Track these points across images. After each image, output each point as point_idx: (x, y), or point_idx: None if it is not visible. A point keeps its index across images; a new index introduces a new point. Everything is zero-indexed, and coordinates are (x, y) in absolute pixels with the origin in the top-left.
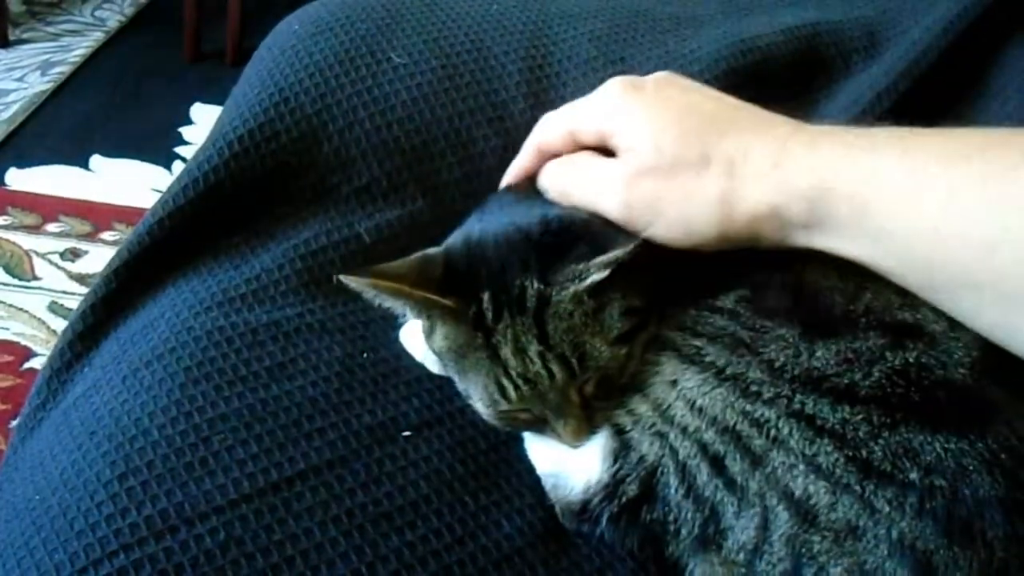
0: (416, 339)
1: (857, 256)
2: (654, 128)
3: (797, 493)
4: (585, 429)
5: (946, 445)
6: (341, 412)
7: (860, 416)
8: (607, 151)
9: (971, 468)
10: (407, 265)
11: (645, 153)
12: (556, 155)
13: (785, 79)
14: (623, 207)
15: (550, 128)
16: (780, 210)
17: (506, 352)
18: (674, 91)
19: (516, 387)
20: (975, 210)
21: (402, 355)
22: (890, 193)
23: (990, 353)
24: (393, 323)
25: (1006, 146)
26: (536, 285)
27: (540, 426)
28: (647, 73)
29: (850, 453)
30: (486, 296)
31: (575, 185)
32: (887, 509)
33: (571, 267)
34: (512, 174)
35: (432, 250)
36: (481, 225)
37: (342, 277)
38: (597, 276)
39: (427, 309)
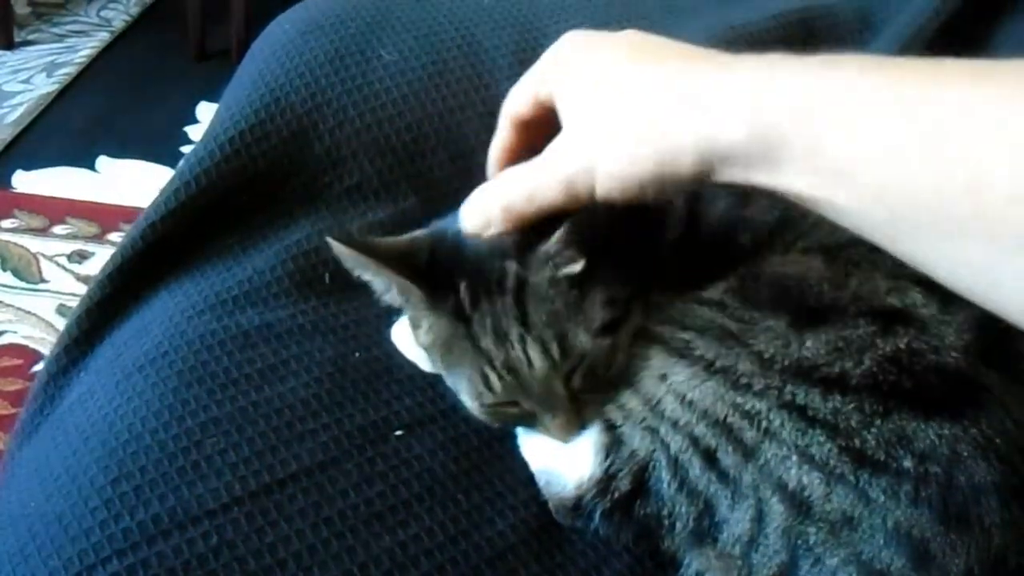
0: (407, 337)
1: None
2: None
3: (791, 485)
4: (575, 424)
5: (940, 431)
6: (333, 413)
7: (852, 405)
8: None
9: (966, 454)
10: (395, 246)
11: None
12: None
13: None
14: None
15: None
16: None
17: (487, 342)
18: None
19: (500, 376)
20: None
21: (393, 354)
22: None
23: (982, 334)
24: (385, 322)
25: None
26: (514, 267)
27: (530, 421)
28: None
29: (843, 443)
30: (463, 286)
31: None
32: (882, 498)
33: (544, 249)
34: (495, 156)
35: (422, 233)
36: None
37: (329, 239)
38: (571, 267)
39: (404, 292)
